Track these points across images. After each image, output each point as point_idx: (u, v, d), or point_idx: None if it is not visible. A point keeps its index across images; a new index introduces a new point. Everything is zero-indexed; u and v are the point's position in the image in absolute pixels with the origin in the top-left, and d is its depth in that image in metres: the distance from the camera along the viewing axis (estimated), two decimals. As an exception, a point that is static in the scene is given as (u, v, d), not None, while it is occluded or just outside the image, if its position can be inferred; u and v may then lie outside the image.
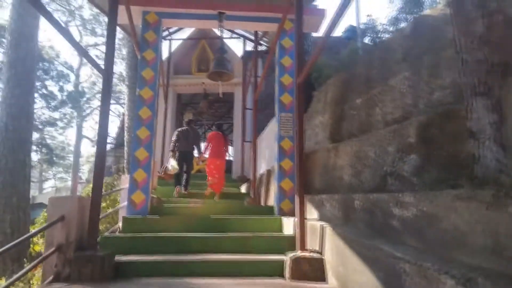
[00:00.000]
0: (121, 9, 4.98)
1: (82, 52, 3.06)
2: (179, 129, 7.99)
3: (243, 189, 8.24)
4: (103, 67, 3.47)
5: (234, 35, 10.65)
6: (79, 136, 30.91)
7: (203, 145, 7.88)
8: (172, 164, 7.37)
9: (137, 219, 4.54)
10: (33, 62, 8.50)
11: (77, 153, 31.40)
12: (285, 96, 5.30)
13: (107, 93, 3.40)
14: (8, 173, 7.72)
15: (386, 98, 4.35)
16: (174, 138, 7.69)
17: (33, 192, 44.64)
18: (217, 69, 5.35)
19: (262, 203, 6.30)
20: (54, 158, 25.62)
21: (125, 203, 5.01)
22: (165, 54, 10.54)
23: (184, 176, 7.58)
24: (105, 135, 3.34)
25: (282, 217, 4.61)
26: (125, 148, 10.68)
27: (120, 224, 4.74)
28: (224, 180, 7.74)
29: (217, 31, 11.37)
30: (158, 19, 5.38)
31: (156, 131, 5.94)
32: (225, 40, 10.44)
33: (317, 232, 3.30)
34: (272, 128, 7.66)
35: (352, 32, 8.17)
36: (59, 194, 31.98)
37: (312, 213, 4.21)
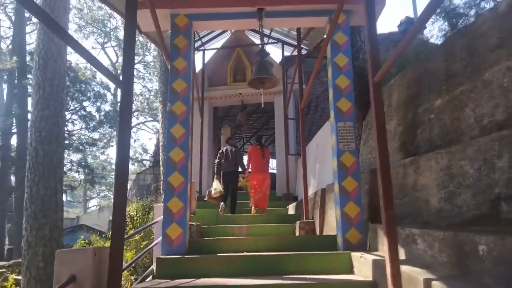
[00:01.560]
0: (145, 13, 4.31)
1: (99, 65, 2.30)
2: (220, 150, 8.04)
3: (291, 210, 7.34)
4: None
5: (271, 40, 9.88)
6: (119, 155, 31.07)
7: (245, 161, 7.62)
8: (215, 187, 7.17)
9: (174, 260, 3.75)
10: (62, 81, 8.06)
11: (117, 172, 31.60)
12: (343, 101, 4.39)
13: (127, 109, 2.64)
14: (40, 202, 7.24)
15: (480, 96, 3.36)
16: (216, 160, 7.75)
17: (79, 211, 45.77)
18: (259, 75, 4.52)
19: (318, 231, 5.38)
20: (95, 179, 25.74)
21: (160, 239, 4.26)
22: (198, 66, 9.94)
23: (229, 198, 7.39)
24: (125, 163, 2.58)
25: (351, 253, 3.68)
26: (161, 168, 10.08)
27: (154, 266, 3.98)
28: (267, 197, 7.31)
29: (253, 38, 10.68)
30: (188, 22, 4.65)
31: (192, 150, 5.20)
32: (261, 47, 9.70)
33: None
34: (322, 140, 6.76)
35: (409, 24, 7.17)
36: (103, 213, 32.30)
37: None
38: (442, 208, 3.30)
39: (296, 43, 9.74)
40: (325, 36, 5.02)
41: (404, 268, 2.55)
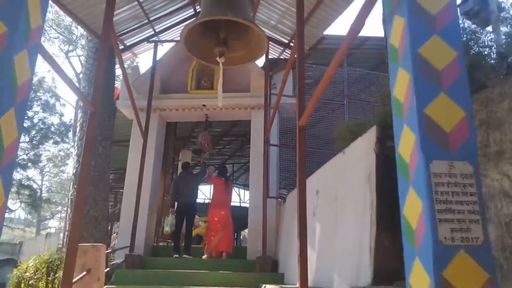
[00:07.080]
0: None
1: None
2: (176, 177, 7.55)
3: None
4: None
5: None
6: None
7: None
8: (168, 223, 6.62)
9: None
10: None
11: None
12: (442, 103, 1.58)
13: None
14: None
15: None
16: (171, 189, 6.86)
17: (31, 231, 40.30)
18: (218, 15, 1.69)
19: None
20: (38, 201, 22.17)
21: None
22: (148, 62, 7.09)
23: (185, 235, 6.60)
24: None
25: None
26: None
27: None
28: (232, 236, 6.88)
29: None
30: None
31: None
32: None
33: None
34: (329, 184, 3.91)
35: None
36: (50, 240, 28.06)
37: None
38: None
39: (287, 41, 7.09)
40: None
41: None
